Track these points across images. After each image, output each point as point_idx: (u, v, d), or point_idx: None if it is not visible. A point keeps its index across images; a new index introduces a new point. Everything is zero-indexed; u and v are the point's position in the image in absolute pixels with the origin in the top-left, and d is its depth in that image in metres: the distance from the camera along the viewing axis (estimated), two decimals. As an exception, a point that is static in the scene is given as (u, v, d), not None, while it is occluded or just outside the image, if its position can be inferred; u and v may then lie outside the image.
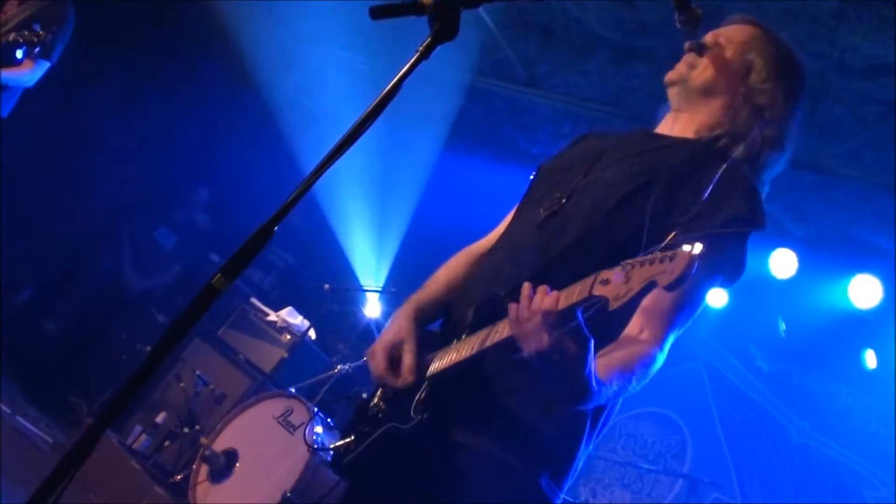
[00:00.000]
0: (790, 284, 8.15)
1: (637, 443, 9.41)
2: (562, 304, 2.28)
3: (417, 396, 2.78)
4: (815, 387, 8.83)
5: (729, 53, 3.08)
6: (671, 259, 2.08)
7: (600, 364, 2.43)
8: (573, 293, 2.28)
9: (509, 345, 2.46)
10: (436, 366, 2.82)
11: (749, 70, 3.05)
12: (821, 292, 8.20)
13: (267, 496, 6.22)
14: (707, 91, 3.06)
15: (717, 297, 8.66)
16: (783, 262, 8.11)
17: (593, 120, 8.40)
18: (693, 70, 3.10)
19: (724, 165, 2.84)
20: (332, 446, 3.12)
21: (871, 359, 8.12)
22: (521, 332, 2.34)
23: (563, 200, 2.93)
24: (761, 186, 2.94)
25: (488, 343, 2.60)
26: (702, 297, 2.81)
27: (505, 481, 2.73)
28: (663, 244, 2.16)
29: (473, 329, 2.74)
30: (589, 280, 2.25)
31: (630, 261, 2.16)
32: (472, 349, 2.67)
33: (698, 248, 2.06)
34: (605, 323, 2.54)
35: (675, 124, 3.12)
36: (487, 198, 9.40)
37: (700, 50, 3.10)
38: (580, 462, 2.84)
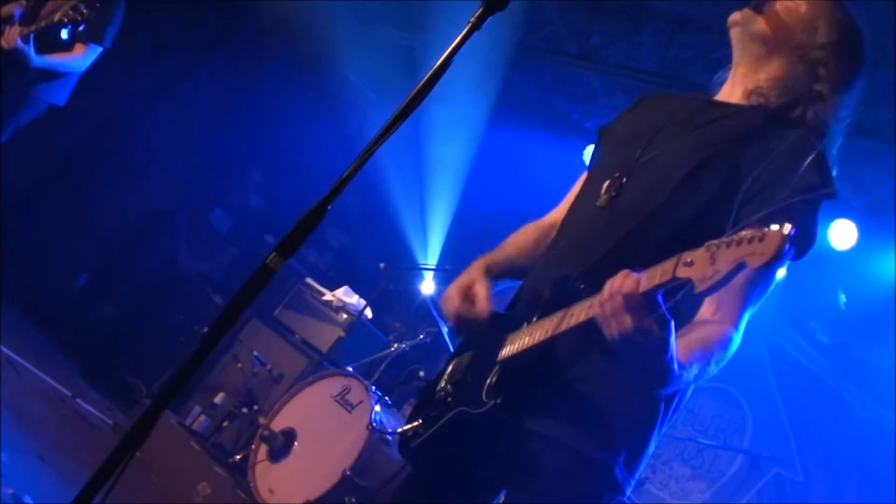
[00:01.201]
0: (849, 256, 8.03)
1: (697, 418, 9.34)
2: (643, 287, 2.25)
3: (489, 380, 2.75)
4: (876, 360, 8.70)
5: (794, 14, 2.99)
6: (761, 240, 2.03)
7: (680, 346, 2.39)
8: (655, 275, 2.24)
9: (586, 329, 2.43)
10: (508, 349, 2.79)
11: (813, 34, 2.96)
12: (881, 263, 8.07)
13: (327, 475, 6.23)
14: (766, 43, 2.98)
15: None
16: (842, 233, 7.98)
17: (648, 91, 8.31)
18: (755, 20, 3.01)
19: (792, 134, 2.79)
20: (399, 430, 3.11)
21: (933, 330, 8.00)
22: (602, 314, 2.30)
23: (624, 179, 2.88)
24: (829, 155, 2.88)
25: (563, 327, 2.56)
26: (775, 273, 2.74)
27: (578, 470, 2.71)
28: (751, 221, 2.11)
29: (546, 312, 2.70)
30: (672, 261, 2.21)
31: (715, 241, 2.12)
32: (547, 332, 2.63)
33: (787, 227, 2.01)
34: (679, 302, 2.52)
35: (732, 88, 3.06)
36: (541, 172, 9.38)
37: (761, 8, 3.01)
38: (653, 447, 2.81)
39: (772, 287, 2.78)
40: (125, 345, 9.19)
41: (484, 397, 2.72)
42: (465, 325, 3.02)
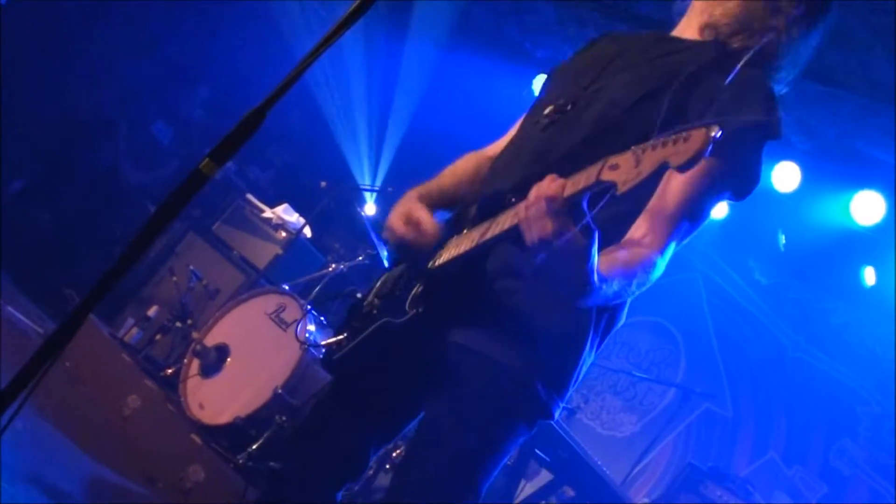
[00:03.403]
0: (792, 198, 8.07)
1: (631, 351, 9.42)
2: (568, 191, 2.20)
3: (414, 291, 2.72)
4: (812, 302, 8.81)
5: None
6: (685, 140, 2.00)
7: (603, 261, 2.35)
8: (580, 179, 2.20)
9: (511, 236, 2.39)
10: (435, 261, 2.76)
11: None
12: (823, 207, 8.12)
13: (258, 392, 6.20)
14: None
15: (717, 209, 8.58)
16: (786, 176, 8.01)
17: (601, 24, 8.22)
18: None
19: (743, 71, 2.73)
20: (323, 343, 3.07)
21: (869, 276, 8.08)
22: (525, 218, 2.25)
23: (569, 106, 2.84)
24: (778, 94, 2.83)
25: (489, 235, 2.53)
26: (708, 207, 2.72)
27: (499, 382, 2.67)
28: (677, 129, 2.07)
29: (475, 224, 2.67)
30: (597, 166, 2.16)
31: (641, 145, 2.08)
32: (473, 242, 2.61)
33: (715, 129, 1.98)
34: (610, 222, 2.49)
35: (688, 22, 3.00)
36: (489, 99, 9.32)
37: None
38: (582, 370, 2.78)
39: (705, 220, 2.74)
40: (60, 254, 9.04)
41: (407, 307, 2.70)
42: (412, 252, 2.95)
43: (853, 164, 7.89)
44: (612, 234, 2.58)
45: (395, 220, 2.94)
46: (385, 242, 3.05)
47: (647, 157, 2.05)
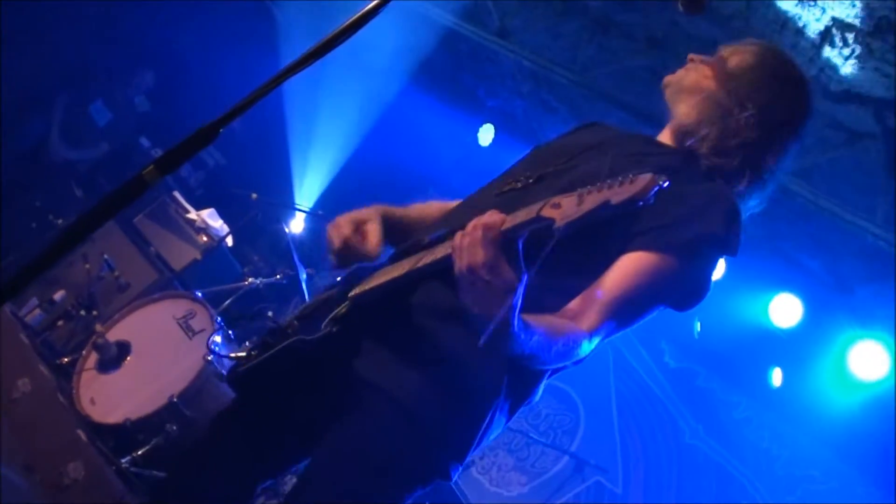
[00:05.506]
0: (713, 288, 8.11)
1: (531, 412, 9.40)
2: (507, 225, 2.19)
3: (335, 312, 2.67)
4: (717, 393, 8.87)
5: (731, 64, 2.94)
6: (631, 182, 2.01)
7: (530, 317, 2.31)
8: (520, 215, 2.20)
9: (441, 269, 2.37)
10: (362, 287, 2.70)
11: (750, 86, 2.89)
12: (742, 302, 8.18)
13: (153, 396, 6.05)
14: (695, 91, 2.93)
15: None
16: (710, 266, 8.07)
17: (555, 84, 8.25)
18: (688, 72, 2.99)
19: (710, 183, 2.76)
20: (232, 355, 3.00)
21: (777, 377, 8.14)
22: (458, 245, 2.23)
23: (531, 181, 2.81)
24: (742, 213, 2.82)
25: (420, 264, 2.51)
26: (646, 307, 2.70)
27: (401, 434, 2.61)
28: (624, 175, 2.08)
29: (409, 256, 2.65)
30: (540, 203, 2.16)
31: (587, 187, 2.09)
32: (403, 269, 2.58)
33: (662, 178, 2.01)
34: (551, 293, 2.52)
35: (669, 129, 3.02)
36: (434, 139, 9.31)
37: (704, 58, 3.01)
38: (490, 434, 2.73)
39: (640, 320, 2.72)
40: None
41: (322, 325, 2.65)
42: (348, 258, 2.91)
43: (778, 265, 7.97)
44: (550, 305, 2.55)
45: (346, 220, 2.94)
46: (326, 239, 3.00)
47: (589, 197, 2.06)
